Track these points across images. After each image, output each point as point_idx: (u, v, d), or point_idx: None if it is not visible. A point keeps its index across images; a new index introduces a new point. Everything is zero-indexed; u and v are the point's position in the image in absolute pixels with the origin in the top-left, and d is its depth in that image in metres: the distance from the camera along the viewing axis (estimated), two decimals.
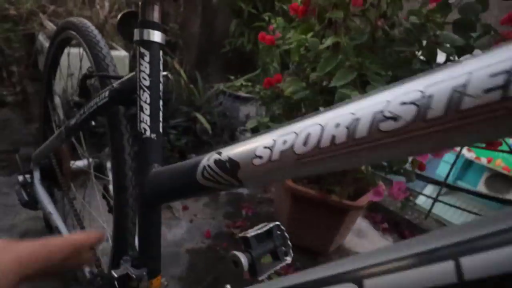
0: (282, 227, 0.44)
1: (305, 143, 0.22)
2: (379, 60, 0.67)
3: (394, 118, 0.18)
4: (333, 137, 0.20)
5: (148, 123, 0.43)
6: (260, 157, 0.25)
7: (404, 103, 0.17)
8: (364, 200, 1.09)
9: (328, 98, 0.88)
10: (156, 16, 0.43)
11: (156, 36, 0.43)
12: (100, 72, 0.55)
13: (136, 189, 0.50)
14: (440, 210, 1.79)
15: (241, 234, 0.40)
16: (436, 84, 0.16)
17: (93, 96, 0.53)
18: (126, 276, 0.44)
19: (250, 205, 1.49)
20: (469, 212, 1.51)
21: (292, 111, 1.08)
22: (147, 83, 0.43)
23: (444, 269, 0.15)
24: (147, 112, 0.43)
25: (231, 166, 0.28)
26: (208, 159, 0.31)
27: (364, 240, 1.46)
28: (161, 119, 0.45)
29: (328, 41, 0.72)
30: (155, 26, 0.43)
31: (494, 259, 0.14)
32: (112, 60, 0.60)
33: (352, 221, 1.30)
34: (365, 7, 0.78)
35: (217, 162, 0.30)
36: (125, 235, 0.53)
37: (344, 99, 0.67)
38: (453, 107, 0.16)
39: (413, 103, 0.17)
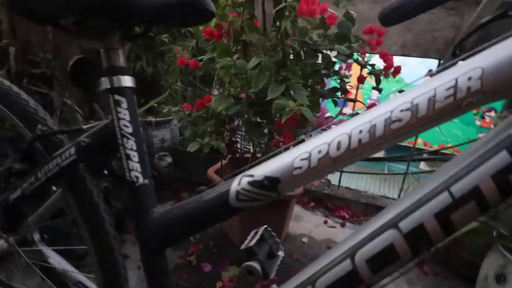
0: (269, 228, 0.51)
1: (338, 148, 0.30)
2: (297, 72, 0.83)
3: (399, 120, 0.28)
4: (360, 140, 0.30)
5: (139, 170, 0.43)
6: (300, 167, 0.32)
7: (402, 110, 0.28)
8: (301, 187, 1.26)
9: (257, 109, 0.99)
10: (122, 60, 0.43)
11: (128, 81, 0.42)
12: (42, 130, 0.48)
13: (138, 238, 0.47)
14: (347, 180, 2.21)
15: (243, 246, 0.45)
16: (417, 97, 0.28)
17: (43, 158, 0.47)
18: None
19: None
20: (367, 173, 1.92)
21: (223, 126, 1.15)
22: (129, 130, 0.42)
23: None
24: (136, 159, 0.42)
25: (270, 183, 0.34)
26: (239, 183, 0.36)
27: (302, 222, 1.65)
28: (147, 163, 0.45)
29: (253, 61, 0.82)
30: (124, 71, 0.42)
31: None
32: (44, 111, 0.53)
33: (292, 208, 1.46)
34: (270, 31, 0.93)
35: (253, 183, 0.35)
36: None
37: (281, 108, 0.79)
38: (430, 108, 0.27)
39: (408, 109, 0.28)
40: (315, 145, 0.32)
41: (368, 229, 0.32)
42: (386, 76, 1.00)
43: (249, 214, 1.35)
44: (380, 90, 0.99)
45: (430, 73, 0.31)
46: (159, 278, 0.45)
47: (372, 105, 0.97)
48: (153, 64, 1.77)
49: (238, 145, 1.29)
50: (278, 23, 0.93)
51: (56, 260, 0.66)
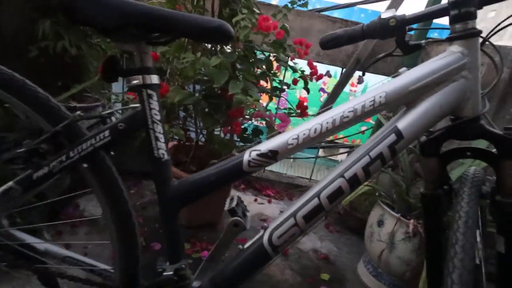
0: (239, 196, 0.70)
1: (315, 132, 0.52)
2: (252, 73, 1.01)
3: (347, 116, 0.51)
4: (327, 127, 0.52)
5: (165, 149, 0.55)
6: (292, 144, 0.52)
7: (349, 111, 0.51)
8: None
9: (212, 101, 1.15)
10: (151, 61, 0.53)
11: (156, 79, 0.53)
12: (79, 115, 0.53)
13: (160, 203, 0.57)
14: None
15: (227, 208, 0.63)
16: (356, 104, 0.51)
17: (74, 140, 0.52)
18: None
19: (137, 215, 1.51)
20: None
21: (172, 115, 1.25)
22: (158, 117, 0.54)
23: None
24: (162, 140, 0.55)
25: (272, 154, 0.53)
26: (249, 155, 0.53)
27: None
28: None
29: (214, 61, 0.97)
30: (152, 71, 0.53)
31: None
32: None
33: (229, 191, 1.66)
34: None
35: (260, 155, 0.53)
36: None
37: (240, 102, 0.96)
38: (363, 110, 0.51)
39: (351, 111, 0.51)
40: (301, 130, 0.53)
41: (326, 180, 0.54)
42: (311, 80, 1.30)
43: None
44: (308, 90, 1.28)
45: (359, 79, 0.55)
46: (175, 231, 0.59)
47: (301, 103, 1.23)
48: (76, 45, 1.64)
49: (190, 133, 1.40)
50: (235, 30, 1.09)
51: (33, 241, 0.68)
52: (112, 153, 0.54)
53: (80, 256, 0.65)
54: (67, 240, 1.24)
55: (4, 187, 0.51)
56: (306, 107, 1.30)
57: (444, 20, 0.57)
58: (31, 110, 0.51)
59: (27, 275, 0.96)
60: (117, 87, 2.05)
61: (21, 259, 0.57)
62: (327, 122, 0.52)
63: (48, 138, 0.50)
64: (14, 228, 0.59)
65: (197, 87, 1.28)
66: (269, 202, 1.95)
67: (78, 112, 0.52)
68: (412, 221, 1.14)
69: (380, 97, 0.51)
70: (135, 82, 0.52)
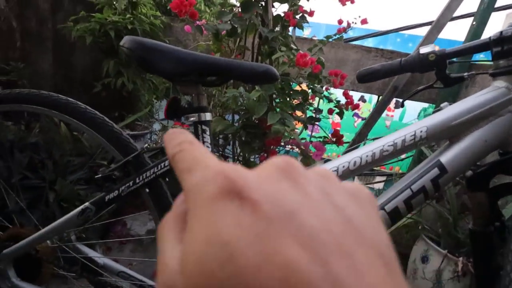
0: None
1: (354, 165, 0.54)
2: (288, 104, 1.07)
3: (387, 150, 0.53)
4: (366, 160, 0.53)
5: None
6: None
7: (389, 145, 0.53)
8: None
9: (250, 131, 1.21)
10: (205, 101, 0.60)
11: (209, 116, 0.60)
12: (146, 148, 0.62)
13: None
14: None
15: None
16: (396, 138, 0.53)
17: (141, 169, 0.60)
18: None
19: None
20: None
21: (218, 142, 1.33)
22: (209, 149, 0.60)
23: None
24: None
25: None
26: None
27: None
28: None
29: (254, 93, 1.04)
30: (206, 109, 0.60)
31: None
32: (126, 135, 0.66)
33: None
34: None
35: None
36: None
37: (278, 132, 1.01)
38: (403, 145, 0.52)
39: (391, 145, 0.53)
40: (340, 162, 0.55)
41: None
42: (347, 109, 1.31)
43: None
44: (342, 116, 1.31)
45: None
46: None
47: (336, 132, 1.24)
48: (132, 81, 1.84)
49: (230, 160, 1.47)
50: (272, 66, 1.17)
51: (94, 255, 0.75)
52: (167, 179, 0.61)
53: (132, 272, 0.70)
54: (115, 256, 1.33)
55: (82, 206, 0.59)
56: (342, 136, 1.31)
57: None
58: (107, 142, 0.60)
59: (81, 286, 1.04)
60: (161, 115, 2.24)
61: (85, 271, 0.64)
62: (367, 156, 0.54)
63: (120, 166, 0.58)
64: (80, 242, 0.67)
65: (236, 117, 1.36)
66: None
67: (146, 145, 0.59)
68: (461, 259, 1.06)
69: (421, 131, 0.52)
70: (192, 119, 0.59)
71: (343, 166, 0.54)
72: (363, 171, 0.55)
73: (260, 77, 0.55)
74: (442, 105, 0.54)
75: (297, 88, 1.28)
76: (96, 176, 0.57)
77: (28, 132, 1.40)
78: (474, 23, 1.57)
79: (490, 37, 0.52)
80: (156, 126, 2.19)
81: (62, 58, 1.96)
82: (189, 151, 0.16)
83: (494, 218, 0.60)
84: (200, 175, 0.13)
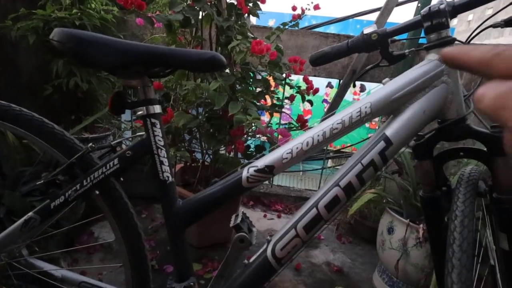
0: (244, 212, 0.72)
1: (307, 145, 0.55)
2: (249, 93, 1.06)
3: (336, 128, 0.54)
4: (318, 140, 0.55)
5: (169, 172, 0.59)
6: (286, 158, 0.55)
7: (338, 123, 0.55)
8: None
9: (214, 122, 1.19)
10: (153, 93, 0.58)
11: (158, 108, 0.58)
12: (91, 146, 0.58)
13: (166, 222, 0.60)
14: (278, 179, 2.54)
15: (232, 224, 0.66)
16: (344, 116, 0.55)
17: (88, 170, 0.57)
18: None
19: (147, 239, 1.53)
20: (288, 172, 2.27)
21: (179, 138, 1.30)
22: (162, 143, 0.58)
23: None
24: (167, 164, 0.58)
25: (269, 169, 0.56)
26: (248, 171, 0.56)
27: None
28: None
29: (213, 84, 1.02)
30: (154, 102, 0.58)
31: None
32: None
33: (237, 209, 1.68)
34: None
35: (257, 170, 0.56)
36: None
37: (240, 121, 1.01)
38: (350, 121, 0.54)
39: (340, 123, 0.54)
40: (294, 144, 0.56)
41: (323, 190, 0.57)
42: (308, 94, 1.34)
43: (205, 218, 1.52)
44: (311, 103, 1.32)
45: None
46: (182, 249, 0.61)
47: (300, 117, 1.27)
48: (87, 80, 1.74)
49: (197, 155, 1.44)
50: (231, 55, 1.16)
51: (51, 268, 0.71)
52: (121, 179, 0.58)
53: (95, 281, 0.68)
54: (83, 267, 1.27)
55: (24, 217, 0.55)
56: (306, 121, 1.34)
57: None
58: (48, 145, 0.56)
59: None
60: (127, 115, 2.14)
61: (40, 286, 0.60)
62: (318, 135, 0.55)
63: (64, 169, 0.54)
64: (33, 256, 0.63)
65: (200, 109, 1.34)
66: (279, 217, 1.95)
67: (91, 144, 0.56)
68: (421, 225, 1.14)
69: (366, 107, 0.54)
70: (140, 113, 0.57)
71: (297, 148, 0.55)
72: (317, 150, 0.56)
73: (206, 64, 0.54)
74: (383, 80, 0.56)
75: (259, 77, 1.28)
76: (38, 183, 0.53)
77: None
78: (419, 4, 1.65)
79: (420, 13, 0.55)
80: (123, 127, 2.10)
81: (4, 60, 1.80)
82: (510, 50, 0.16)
83: (441, 184, 0.65)
84: None
